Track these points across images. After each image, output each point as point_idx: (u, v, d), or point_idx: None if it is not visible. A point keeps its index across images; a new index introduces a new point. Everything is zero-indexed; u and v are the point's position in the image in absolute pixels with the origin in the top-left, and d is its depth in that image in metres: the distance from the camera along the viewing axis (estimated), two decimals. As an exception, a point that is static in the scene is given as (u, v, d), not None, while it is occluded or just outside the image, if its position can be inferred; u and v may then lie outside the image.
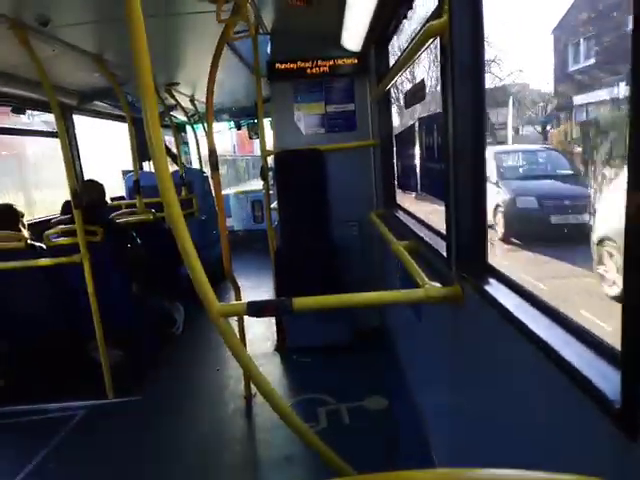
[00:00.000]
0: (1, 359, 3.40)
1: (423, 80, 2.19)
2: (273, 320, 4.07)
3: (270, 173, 4.03)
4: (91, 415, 3.05)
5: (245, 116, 7.49)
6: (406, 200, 3.42)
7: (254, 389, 3.05)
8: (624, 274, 0.73)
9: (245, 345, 3.14)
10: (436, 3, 1.63)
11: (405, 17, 2.49)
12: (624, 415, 0.75)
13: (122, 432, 2.86)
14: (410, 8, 2.39)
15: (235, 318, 3.08)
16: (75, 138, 5.04)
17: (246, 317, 2.83)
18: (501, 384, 1.34)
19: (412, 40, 2.03)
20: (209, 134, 2.94)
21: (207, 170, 6.24)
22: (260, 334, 4.10)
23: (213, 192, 3.81)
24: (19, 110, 4.21)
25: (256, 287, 5.20)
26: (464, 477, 0.63)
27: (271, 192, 3.88)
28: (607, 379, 0.83)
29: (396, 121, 3.73)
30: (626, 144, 0.70)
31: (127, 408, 3.11)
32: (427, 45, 1.69)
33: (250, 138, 7.84)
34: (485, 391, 1.49)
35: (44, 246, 3.29)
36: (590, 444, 0.90)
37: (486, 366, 1.46)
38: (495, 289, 1.36)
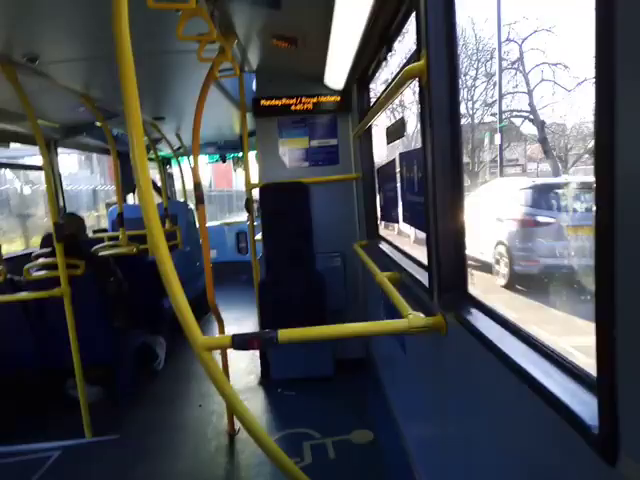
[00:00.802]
0: None
1: (403, 118, 2.29)
2: (257, 353, 4.03)
3: (255, 205, 4.07)
4: (66, 456, 2.92)
5: (230, 149, 7.60)
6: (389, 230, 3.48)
7: (238, 424, 2.98)
8: (596, 301, 0.77)
9: (228, 379, 3.09)
10: (414, 47, 1.73)
11: (385, 59, 2.61)
12: (602, 440, 0.77)
13: (99, 475, 2.74)
14: (390, 50, 2.51)
15: (218, 351, 3.04)
16: (59, 171, 5.03)
17: (229, 350, 2.79)
18: (484, 413, 1.36)
19: (392, 81, 2.13)
20: (195, 168, 2.98)
21: (191, 203, 6.26)
22: (244, 367, 4.04)
23: (197, 224, 3.83)
24: (2, 144, 4.20)
25: (240, 319, 5.15)
26: None
27: (256, 224, 3.91)
28: (585, 405, 0.86)
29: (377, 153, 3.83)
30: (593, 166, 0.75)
31: (105, 448, 2.99)
32: (406, 86, 1.78)
33: (234, 171, 7.91)
34: (469, 420, 1.50)
35: (23, 280, 3.24)
36: (572, 470, 0.92)
37: (469, 395, 1.48)
38: (476, 319, 1.39)
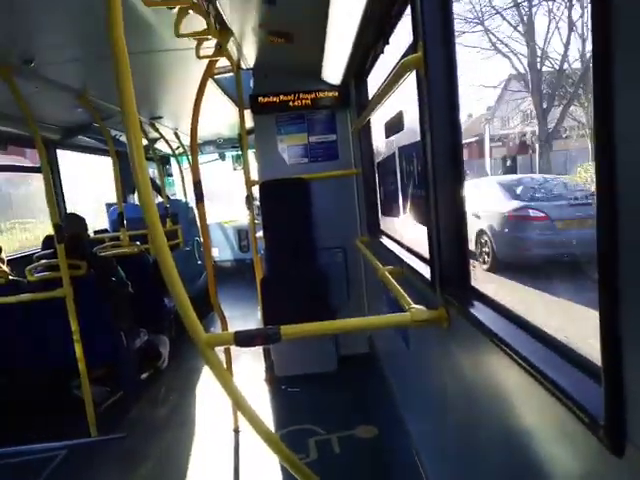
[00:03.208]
0: None
1: (401, 112, 2.27)
2: (260, 350, 4.03)
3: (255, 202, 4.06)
4: (73, 455, 2.94)
5: (229, 147, 7.59)
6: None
7: (242, 421, 2.98)
8: (600, 288, 0.76)
9: (232, 376, 3.09)
10: (411, 39, 1.72)
11: (382, 52, 2.59)
12: (608, 431, 0.76)
13: (106, 473, 2.75)
14: (387, 43, 2.49)
15: (222, 350, 3.04)
16: (59, 173, 5.03)
17: (233, 348, 2.79)
18: (488, 405, 1.35)
19: (389, 74, 2.12)
20: (194, 166, 2.97)
21: (191, 201, 6.26)
22: (248, 365, 4.04)
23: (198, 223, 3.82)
24: (0, 146, 4.19)
25: (243, 317, 5.15)
26: None
27: (257, 222, 3.91)
28: (590, 395, 0.85)
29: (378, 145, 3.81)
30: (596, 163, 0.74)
31: (111, 446, 3.01)
32: (404, 78, 1.77)
33: (234, 169, 7.91)
34: (473, 413, 1.50)
35: (26, 281, 3.24)
36: (577, 461, 0.91)
37: (473, 388, 1.47)
38: (479, 311, 1.39)
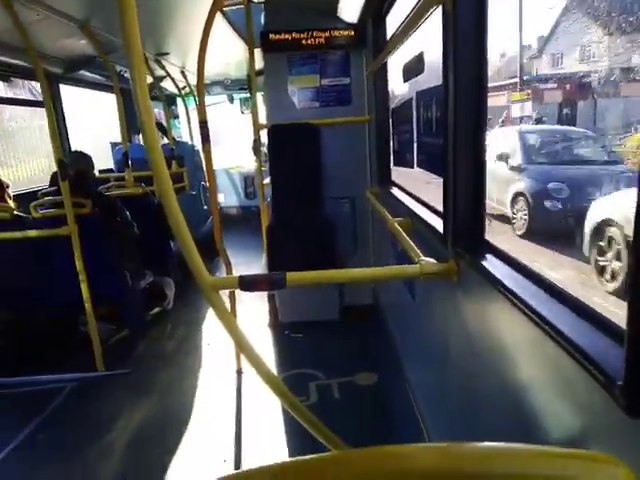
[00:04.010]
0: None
1: (422, 52, 2.13)
2: (265, 296, 4.07)
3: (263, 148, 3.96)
4: (81, 388, 3.04)
5: (238, 89, 7.33)
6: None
7: (245, 363, 3.05)
8: (633, 249, 0.71)
9: (236, 320, 3.13)
10: None
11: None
12: (626, 392, 0.74)
13: (112, 404, 2.86)
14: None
15: (227, 294, 3.06)
16: (62, 109, 4.89)
17: (238, 293, 2.81)
18: (497, 360, 1.34)
19: (412, 9, 1.96)
20: (200, 105, 2.86)
21: (198, 143, 6.13)
22: (252, 310, 4.09)
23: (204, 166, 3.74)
24: (2, 78, 4.05)
25: (248, 263, 5.17)
26: (460, 451, 0.61)
27: (264, 168, 3.82)
28: (607, 354, 0.82)
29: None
30: None
31: (117, 380, 3.11)
32: (429, 14, 1.64)
33: (242, 113, 7.68)
34: (479, 366, 1.49)
35: (31, 217, 3.23)
36: (591, 423, 0.90)
37: (480, 342, 1.46)
38: (492, 265, 1.35)
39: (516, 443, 0.55)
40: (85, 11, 3.20)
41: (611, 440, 0.83)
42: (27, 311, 3.40)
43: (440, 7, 1.53)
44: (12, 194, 3.56)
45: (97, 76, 5.02)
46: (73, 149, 4.68)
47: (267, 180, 3.85)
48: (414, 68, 2.20)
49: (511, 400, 1.24)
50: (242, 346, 1.41)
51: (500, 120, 14.34)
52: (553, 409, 1.03)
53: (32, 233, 3.10)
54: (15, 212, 3.27)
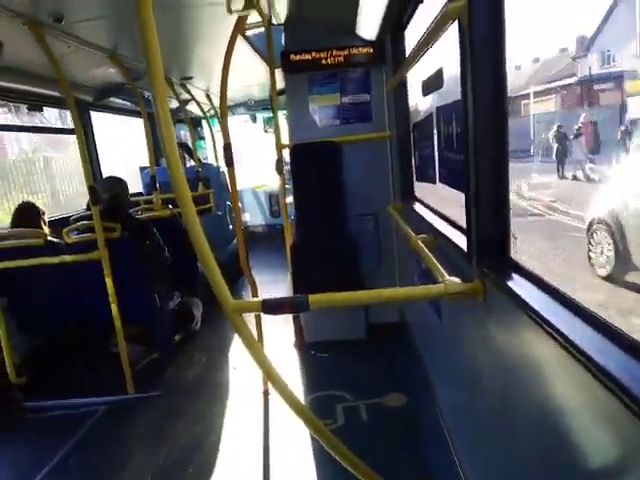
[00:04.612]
0: (31, 354, 3.46)
1: (441, 68, 2.11)
2: (290, 316, 4.05)
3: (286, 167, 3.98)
4: (113, 410, 3.08)
5: (260, 109, 7.46)
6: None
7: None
8: None
9: (262, 341, 3.12)
10: None
11: (421, 1, 2.40)
12: None
13: (144, 427, 2.88)
14: (427, -8, 2.30)
15: (253, 314, 3.06)
16: (93, 135, 5.07)
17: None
18: (524, 384, 1.28)
19: (429, 25, 1.95)
20: (224, 128, 2.91)
21: (222, 165, 6.23)
22: (278, 330, 4.08)
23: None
24: (35, 108, 4.24)
25: (273, 283, 5.18)
26: None
27: (287, 186, 3.84)
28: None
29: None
30: None
31: (148, 404, 3.13)
32: (446, 28, 1.62)
33: (265, 132, 7.80)
34: (508, 391, 1.43)
35: (63, 242, 3.33)
36: (620, 448, 0.84)
37: (508, 365, 1.40)
38: (519, 285, 1.29)
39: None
40: (113, 41, 3.33)
41: None
42: (59, 334, 3.49)
43: (456, 22, 1.51)
44: (47, 220, 3.69)
45: (126, 102, 5.21)
46: (108, 175, 4.83)
47: (290, 198, 3.86)
48: (433, 83, 2.18)
49: (541, 427, 1.17)
50: (266, 371, 1.40)
51: (575, 128, 12.30)
52: (585, 437, 0.97)
53: (64, 258, 3.19)
54: (48, 237, 3.38)
